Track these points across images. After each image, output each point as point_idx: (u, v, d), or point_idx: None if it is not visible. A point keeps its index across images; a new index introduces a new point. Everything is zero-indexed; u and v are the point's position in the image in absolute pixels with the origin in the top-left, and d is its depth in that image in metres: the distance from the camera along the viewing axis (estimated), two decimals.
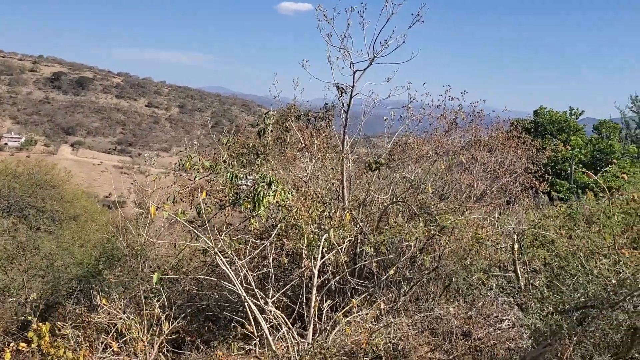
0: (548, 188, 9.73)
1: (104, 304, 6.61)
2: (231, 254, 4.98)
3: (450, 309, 7.22)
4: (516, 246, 4.18)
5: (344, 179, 8.13)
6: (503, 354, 5.57)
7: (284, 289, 6.01)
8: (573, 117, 21.04)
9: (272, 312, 4.61)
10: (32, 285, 10.24)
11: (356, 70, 7.69)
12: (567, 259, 3.60)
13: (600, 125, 22.10)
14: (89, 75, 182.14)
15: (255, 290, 4.88)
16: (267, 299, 5.03)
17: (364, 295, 7.24)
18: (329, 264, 6.92)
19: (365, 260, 7.41)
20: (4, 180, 17.56)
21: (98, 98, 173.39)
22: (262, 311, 4.93)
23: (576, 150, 18.48)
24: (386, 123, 9.02)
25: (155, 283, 4.80)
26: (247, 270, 7.05)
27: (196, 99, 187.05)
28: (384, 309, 5.61)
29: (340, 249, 5.88)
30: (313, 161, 8.40)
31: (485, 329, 6.04)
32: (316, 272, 4.98)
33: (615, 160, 16.81)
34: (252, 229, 7.58)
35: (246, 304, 4.67)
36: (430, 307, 6.35)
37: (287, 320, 4.74)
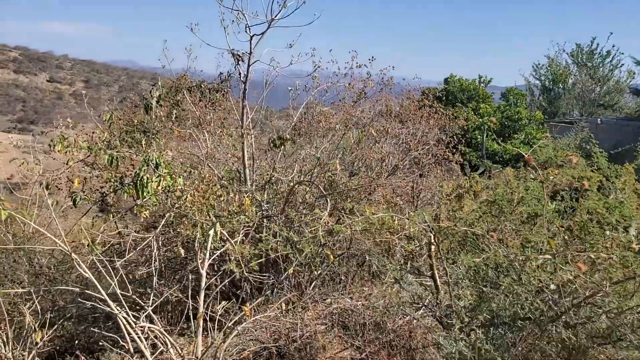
0: (461, 159, 9.38)
1: None
2: (95, 257, 4.10)
3: (361, 292, 6.71)
4: (433, 247, 3.57)
5: (245, 158, 7.34)
6: (420, 346, 5.08)
7: (172, 289, 5.21)
8: (482, 84, 21.18)
9: (146, 328, 3.81)
10: None
11: (253, 35, 6.85)
12: (496, 261, 3.03)
13: (508, 93, 22.42)
14: None
15: (122, 303, 4.05)
16: (147, 306, 4.21)
17: (266, 289, 6.58)
18: (227, 255, 6.17)
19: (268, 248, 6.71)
20: None
21: None
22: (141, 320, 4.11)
23: (486, 118, 18.56)
24: (291, 94, 8.26)
25: None
26: (125, 271, 6.17)
27: (102, 73, 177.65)
28: (286, 309, 4.94)
29: (239, 239, 5.12)
30: (210, 139, 7.53)
31: (400, 319, 5.54)
32: (204, 272, 4.20)
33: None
34: (142, 218, 6.70)
35: (118, 319, 3.84)
36: (340, 297, 5.77)
37: (168, 336, 3.95)
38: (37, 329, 5.83)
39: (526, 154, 3.18)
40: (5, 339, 5.54)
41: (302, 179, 7.39)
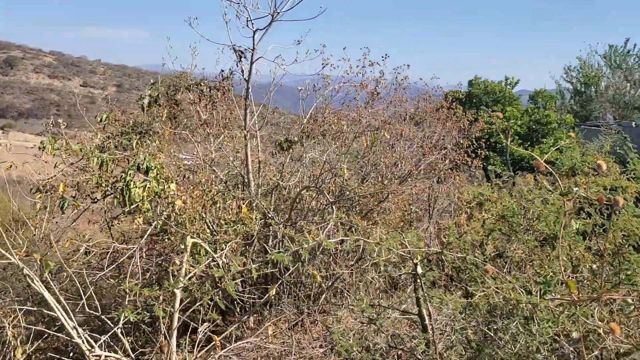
0: (482, 163, 8.74)
1: None
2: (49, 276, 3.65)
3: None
4: (422, 281, 2.97)
5: (249, 161, 6.86)
6: None
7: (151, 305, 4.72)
8: (509, 86, 20.36)
9: (102, 357, 3.33)
10: None
11: (256, 30, 6.39)
12: (493, 303, 2.43)
13: (537, 95, 21.57)
14: (18, 54, 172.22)
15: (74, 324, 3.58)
16: (116, 327, 3.74)
17: (266, 304, 6.07)
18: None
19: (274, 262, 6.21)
20: None
21: (29, 78, 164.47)
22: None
23: (512, 121, 17.74)
24: (300, 94, 7.77)
25: None
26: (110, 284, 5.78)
27: (134, 77, 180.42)
28: (272, 334, 4.41)
29: (226, 251, 4.62)
30: (212, 140, 7.08)
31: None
32: (178, 292, 3.71)
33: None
34: (136, 226, 6.27)
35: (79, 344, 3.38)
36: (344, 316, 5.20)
37: None
38: (18, 344, 5.45)
39: (538, 157, 2.58)
40: None
41: (309, 185, 6.89)
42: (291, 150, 7.31)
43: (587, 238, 3.01)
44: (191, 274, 3.73)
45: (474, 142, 8.33)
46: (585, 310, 2.01)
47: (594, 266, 2.53)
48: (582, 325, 2.02)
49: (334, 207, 5.96)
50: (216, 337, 3.48)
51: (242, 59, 6.59)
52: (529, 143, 17.60)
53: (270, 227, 6.76)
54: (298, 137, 7.26)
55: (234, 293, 3.33)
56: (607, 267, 2.51)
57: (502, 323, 2.39)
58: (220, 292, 5.05)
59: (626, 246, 2.58)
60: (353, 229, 6.69)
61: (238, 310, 5.73)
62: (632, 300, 2.03)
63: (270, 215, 6.67)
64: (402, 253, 2.87)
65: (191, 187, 5.89)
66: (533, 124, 17.88)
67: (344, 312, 5.95)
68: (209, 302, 4.39)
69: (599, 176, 3.34)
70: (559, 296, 2.23)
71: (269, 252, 6.82)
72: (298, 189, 6.93)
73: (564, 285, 2.15)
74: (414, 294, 3.08)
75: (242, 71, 6.68)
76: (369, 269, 6.79)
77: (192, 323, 4.84)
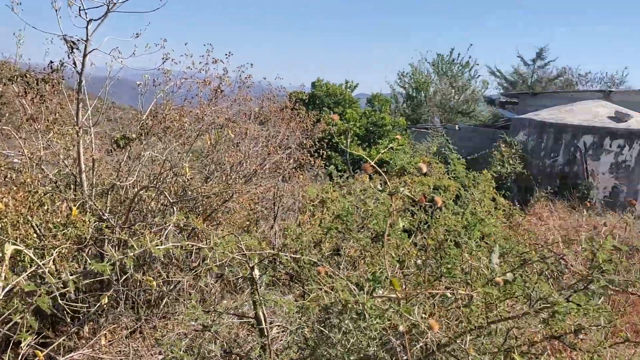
0: (324, 163, 9.06)
1: None
2: None
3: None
4: (259, 284, 2.97)
5: (82, 159, 6.39)
6: None
7: None
8: (348, 89, 21.33)
9: None
10: None
11: (90, 20, 5.97)
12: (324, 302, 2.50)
13: (373, 99, 22.88)
14: None
15: None
16: None
17: (102, 312, 5.71)
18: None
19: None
20: None
21: None
22: None
23: (351, 123, 18.63)
24: (140, 89, 7.41)
25: None
26: None
27: None
28: (106, 343, 4.17)
29: (64, 255, 4.27)
30: (41, 137, 6.49)
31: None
32: None
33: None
34: None
35: None
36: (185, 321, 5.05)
37: None
38: None
39: (367, 159, 2.72)
40: None
41: (148, 184, 6.59)
42: (129, 147, 6.95)
43: (413, 235, 3.26)
44: (9, 286, 3.37)
45: (317, 142, 8.61)
46: (409, 305, 2.16)
47: (419, 261, 2.75)
48: (405, 320, 2.17)
49: (175, 208, 5.78)
50: (39, 351, 3.18)
51: (75, 50, 6.12)
52: (367, 144, 18.58)
53: (107, 229, 6.37)
54: (136, 134, 6.92)
55: (47, 309, 3.04)
56: (430, 262, 2.74)
57: (335, 321, 2.48)
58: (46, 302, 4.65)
59: (447, 241, 2.84)
60: (193, 231, 6.57)
61: (69, 319, 5.31)
62: (451, 293, 2.24)
63: (105, 217, 6.29)
64: (238, 256, 2.86)
65: (15, 188, 5.36)
66: (370, 126, 18.92)
67: (182, 317, 5.80)
68: (24, 317, 4.01)
69: (426, 176, 3.62)
70: (386, 293, 2.37)
71: (105, 256, 6.43)
72: (136, 189, 6.61)
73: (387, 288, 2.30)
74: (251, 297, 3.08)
75: (75, 63, 6.21)
76: (205, 273, 6.70)
77: (14, 336, 4.41)
